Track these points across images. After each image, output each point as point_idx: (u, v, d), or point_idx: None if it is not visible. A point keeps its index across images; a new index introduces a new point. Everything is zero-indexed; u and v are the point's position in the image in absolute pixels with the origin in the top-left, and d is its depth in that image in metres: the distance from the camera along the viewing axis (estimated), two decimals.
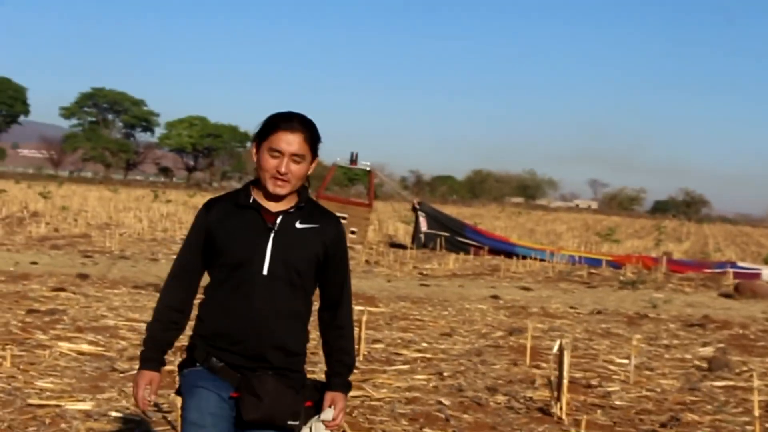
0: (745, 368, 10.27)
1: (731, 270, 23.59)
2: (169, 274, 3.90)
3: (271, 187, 3.69)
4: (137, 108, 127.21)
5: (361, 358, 9.63)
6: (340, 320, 3.88)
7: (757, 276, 23.30)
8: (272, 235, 3.69)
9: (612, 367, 10.07)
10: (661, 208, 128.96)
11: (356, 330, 10.24)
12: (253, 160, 3.82)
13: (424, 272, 20.96)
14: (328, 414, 3.80)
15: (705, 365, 10.34)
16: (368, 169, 30.40)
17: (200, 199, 60.79)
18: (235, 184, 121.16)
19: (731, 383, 9.46)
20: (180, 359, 3.91)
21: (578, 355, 10.56)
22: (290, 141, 3.67)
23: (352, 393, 8.07)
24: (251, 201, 3.75)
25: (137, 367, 3.89)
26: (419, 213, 27.60)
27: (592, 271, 23.69)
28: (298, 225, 3.74)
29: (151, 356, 3.84)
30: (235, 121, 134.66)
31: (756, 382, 7.04)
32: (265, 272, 3.66)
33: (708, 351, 11.44)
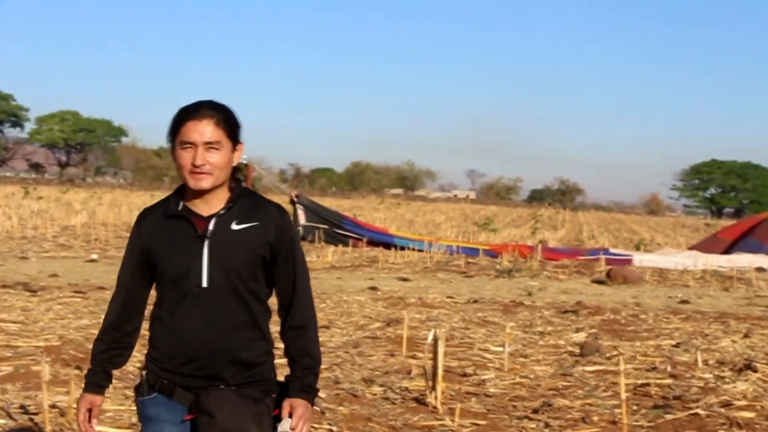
0: (615, 353, 10.49)
1: (604, 256, 24.14)
2: (114, 291, 3.66)
3: (192, 182, 3.38)
4: (5, 103, 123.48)
5: None
6: (297, 319, 3.54)
7: (629, 262, 23.90)
8: (206, 242, 3.40)
9: (487, 356, 10.18)
10: (537, 197, 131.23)
11: None
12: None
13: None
14: (285, 425, 3.42)
15: (577, 351, 10.54)
16: (245, 162, 30.13)
17: (74, 195, 59.53)
18: (110, 179, 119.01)
19: (602, 368, 9.66)
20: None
21: (454, 345, 10.65)
22: (200, 129, 3.36)
23: None
24: (180, 208, 3.46)
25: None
26: (297, 206, 27.50)
27: (470, 260, 23.94)
28: (234, 226, 3.42)
29: (93, 379, 3.60)
30: (109, 116, 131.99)
31: (623, 366, 7.18)
32: (204, 284, 3.38)
33: (580, 337, 11.67)
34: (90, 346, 9.52)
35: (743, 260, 24.33)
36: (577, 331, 12.25)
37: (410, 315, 11.66)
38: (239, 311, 3.42)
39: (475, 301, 15.18)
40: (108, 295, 13.46)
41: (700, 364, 9.90)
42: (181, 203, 3.47)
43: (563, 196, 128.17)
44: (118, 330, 3.60)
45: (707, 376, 9.37)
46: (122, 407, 7.33)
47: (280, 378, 3.61)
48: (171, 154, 3.48)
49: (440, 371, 7.80)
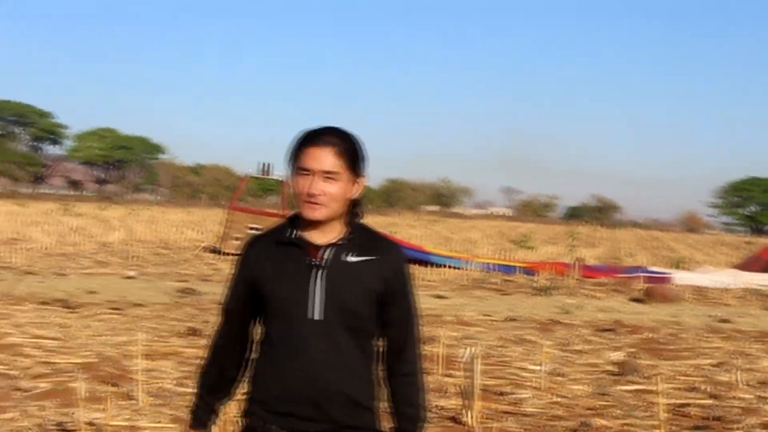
0: (654, 372, 10.38)
1: (642, 274, 23.94)
2: (219, 322, 3.46)
3: (305, 212, 3.19)
4: (44, 120, 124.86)
5: None
6: (406, 366, 3.31)
7: (667, 280, 23.69)
8: (320, 272, 3.18)
9: (524, 374, 10.10)
10: (574, 214, 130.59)
11: None
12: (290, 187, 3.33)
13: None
14: None
15: (615, 370, 10.44)
16: (281, 179, 30.26)
17: (112, 212, 59.94)
18: (147, 196, 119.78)
19: (640, 387, 9.56)
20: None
21: (491, 363, 10.58)
22: (319, 157, 3.16)
23: None
24: (294, 236, 3.25)
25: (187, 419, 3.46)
26: None
27: (507, 278, 23.83)
28: (350, 258, 3.21)
29: (198, 415, 3.41)
30: (146, 133, 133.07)
31: (662, 386, 7.09)
32: (316, 317, 3.15)
33: (618, 356, 11.56)
34: (126, 363, 9.61)
35: None
36: (615, 350, 12.14)
37: (446, 333, 11.61)
38: (350, 348, 3.19)
39: (512, 319, 15.09)
40: (145, 312, 13.59)
41: (740, 384, 9.78)
42: (295, 231, 3.27)
43: (600, 213, 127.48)
44: (223, 364, 3.40)
45: (748, 396, 9.25)
46: (159, 424, 7.33)
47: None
48: (290, 179, 3.28)
49: (477, 390, 7.75)
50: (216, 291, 17.16)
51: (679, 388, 9.61)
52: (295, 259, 3.22)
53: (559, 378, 9.98)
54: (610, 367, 10.70)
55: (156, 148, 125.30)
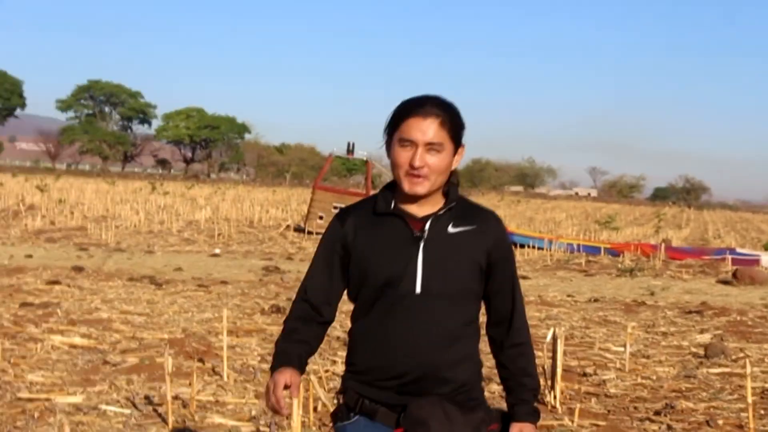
0: (741, 355, 10.20)
1: (730, 256, 23.53)
2: (297, 296, 3.29)
3: (406, 185, 3.07)
4: (134, 100, 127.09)
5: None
6: (516, 336, 3.22)
7: (756, 262, 23.23)
8: (422, 244, 3.07)
9: (608, 355, 10.01)
10: (660, 195, 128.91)
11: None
12: (387, 158, 3.19)
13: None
14: None
15: (701, 352, 10.29)
16: (366, 159, 30.37)
17: (198, 191, 60.77)
18: (233, 175, 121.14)
19: (727, 370, 9.41)
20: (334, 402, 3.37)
21: (574, 344, 10.51)
22: (423, 128, 3.04)
23: None
24: (392, 207, 3.14)
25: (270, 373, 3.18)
26: None
27: (591, 259, 23.61)
28: (450, 229, 3.11)
29: (285, 353, 3.16)
30: (232, 112, 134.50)
31: (750, 369, 6.96)
32: (418, 290, 3.05)
33: (705, 338, 11.38)
34: (212, 339, 9.74)
35: None
36: (702, 332, 11.96)
37: (529, 313, 11.52)
38: (453, 322, 3.09)
39: (596, 300, 14.95)
40: (230, 289, 13.79)
41: None
42: (393, 202, 3.16)
43: (688, 194, 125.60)
44: (303, 331, 3.22)
45: None
46: (243, 400, 7.44)
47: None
48: (386, 149, 3.18)
49: (559, 370, 7.70)
50: (300, 269, 17.31)
51: (767, 372, 9.43)
52: (396, 231, 3.12)
53: (644, 359, 9.87)
54: (696, 350, 10.54)
55: (242, 128, 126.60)
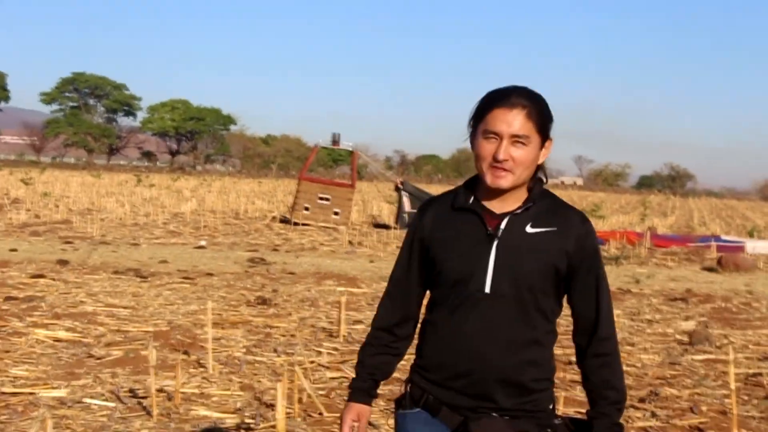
0: (726, 341, 10.26)
1: (715, 243, 23.62)
2: (384, 291, 3.28)
3: (489, 178, 2.97)
4: (119, 92, 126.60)
5: (341, 339, 9.60)
6: (599, 346, 3.06)
7: (741, 249, 23.33)
8: (495, 243, 2.97)
9: None
10: (646, 183, 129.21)
11: (337, 311, 10.26)
12: (471, 150, 3.08)
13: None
14: None
15: (686, 339, 10.33)
16: (351, 149, 30.38)
17: (184, 183, 60.65)
18: (219, 167, 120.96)
19: (711, 357, 9.45)
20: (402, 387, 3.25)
21: (560, 332, 10.49)
22: (509, 120, 2.93)
23: (329, 374, 8.06)
24: (470, 201, 3.05)
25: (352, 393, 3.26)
26: (403, 193, 27.55)
27: None
28: (528, 229, 2.99)
29: (360, 386, 3.23)
30: (217, 104, 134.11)
31: (733, 355, 6.99)
32: (487, 290, 2.95)
33: (690, 325, 11.43)
34: (197, 331, 9.73)
35: None
36: (686, 319, 12.00)
37: None
38: (521, 326, 2.97)
39: None
40: (216, 281, 13.76)
41: None
42: (473, 197, 3.07)
43: (673, 182, 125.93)
44: (389, 333, 3.23)
45: None
46: (228, 392, 7.43)
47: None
48: (471, 142, 3.08)
49: None
50: (286, 260, 17.31)
51: (752, 358, 9.48)
52: (470, 227, 3.03)
53: (629, 347, 9.90)
54: (680, 337, 10.58)
55: (227, 119, 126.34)
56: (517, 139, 2.94)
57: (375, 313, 3.28)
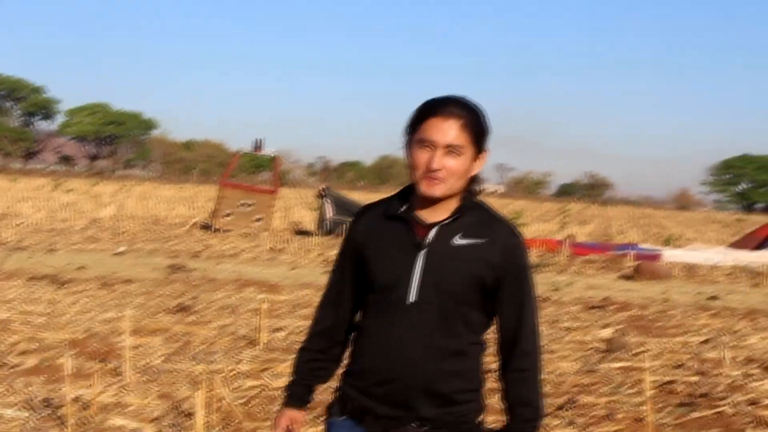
0: (642, 349, 10.41)
1: (632, 252, 23.98)
2: (321, 296, 3.33)
3: (423, 187, 3.00)
4: (36, 95, 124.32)
5: (261, 347, 9.53)
6: (520, 361, 3.09)
7: (658, 257, 23.71)
8: (422, 252, 3.01)
9: None
10: (566, 192, 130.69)
11: (257, 318, 10.19)
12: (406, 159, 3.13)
13: (329, 259, 20.87)
14: None
15: (604, 347, 10.46)
16: (273, 155, 30.26)
17: (104, 188, 59.81)
18: (139, 172, 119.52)
19: (628, 364, 9.58)
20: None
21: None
22: (444, 130, 2.96)
23: (249, 383, 8.01)
24: (402, 210, 3.09)
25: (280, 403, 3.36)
26: (325, 199, 27.48)
27: None
28: (457, 240, 3.02)
29: (294, 391, 3.29)
30: (138, 108, 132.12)
31: (649, 363, 7.11)
32: (411, 299, 2.99)
33: (607, 333, 11.58)
34: (114, 339, 9.58)
35: None
36: (604, 327, 12.16)
37: None
38: (445, 336, 3.00)
39: None
40: (134, 288, 13.58)
41: (727, 361, 9.82)
42: (405, 205, 3.11)
43: (592, 190, 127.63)
44: (324, 339, 3.28)
45: (735, 373, 9.28)
46: (146, 401, 7.34)
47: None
48: (405, 150, 3.11)
49: None
50: (206, 267, 17.16)
51: (666, 365, 9.63)
52: (400, 235, 3.07)
53: (548, 355, 9.99)
54: (598, 344, 10.72)
55: (148, 124, 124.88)
56: (451, 149, 2.98)
57: (314, 316, 3.33)
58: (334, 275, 3.27)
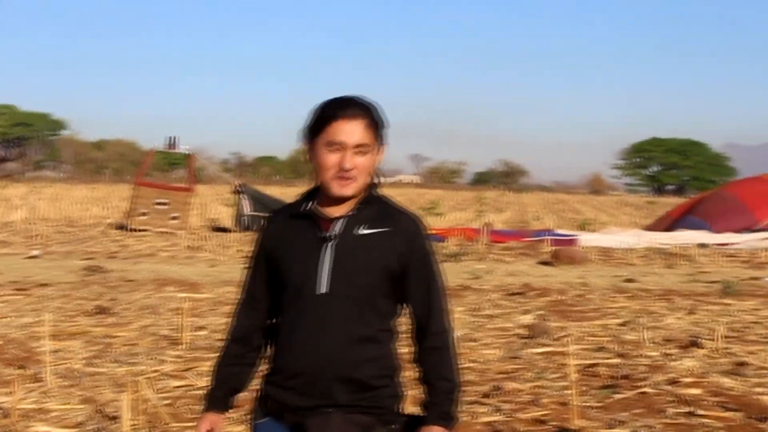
0: (563, 334, 10.54)
1: (549, 237, 24.28)
2: (237, 301, 3.40)
3: (336, 188, 3.12)
4: None
5: (184, 346, 9.44)
6: (431, 340, 3.19)
7: (574, 242, 24.03)
8: (329, 245, 3.12)
9: None
10: (482, 180, 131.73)
11: (179, 318, 10.08)
12: (308, 161, 3.25)
13: (249, 255, 20.71)
14: None
15: (526, 333, 10.58)
16: (188, 152, 29.98)
17: (13, 190, 58.59)
18: (49, 173, 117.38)
19: (551, 349, 9.70)
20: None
21: (401, 330, 10.60)
22: (351, 130, 3.09)
23: (174, 383, 7.92)
24: (307, 208, 3.19)
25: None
26: (242, 195, 27.30)
27: None
28: (362, 230, 3.13)
29: (214, 395, 3.33)
30: (46, 109, 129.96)
31: (572, 347, 7.21)
32: (323, 290, 3.08)
33: (528, 319, 11.71)
34: (33, 344, 9.41)
35: (685, 237, 24.62)
36: (525, 313, 12.29)
37: None
38: (357, 324, 3.10)
39: None
40: (51, 291, 13.35)
41: (646, 342, 10.00)
42: (311, 204, 3.20)
43: (507, 178, 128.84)
44: (241, 343, 3.33)
45: (654, 354, 9.46)
46: (68, 406, 7.22)
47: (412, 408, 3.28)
48: (309, 153, 3.22)
49: None
50: (123, 268, 16.94)
51: (588, 349, 9.77)
52: (306, 232, 3.17)
53: (471, 343, 10.06)
54: (520, 331, 10.83)
55: (57, 124, 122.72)
56: (360, 148, 3.11)
57: (231, 322, 3.39)
58: (248, 279, 3.35)
